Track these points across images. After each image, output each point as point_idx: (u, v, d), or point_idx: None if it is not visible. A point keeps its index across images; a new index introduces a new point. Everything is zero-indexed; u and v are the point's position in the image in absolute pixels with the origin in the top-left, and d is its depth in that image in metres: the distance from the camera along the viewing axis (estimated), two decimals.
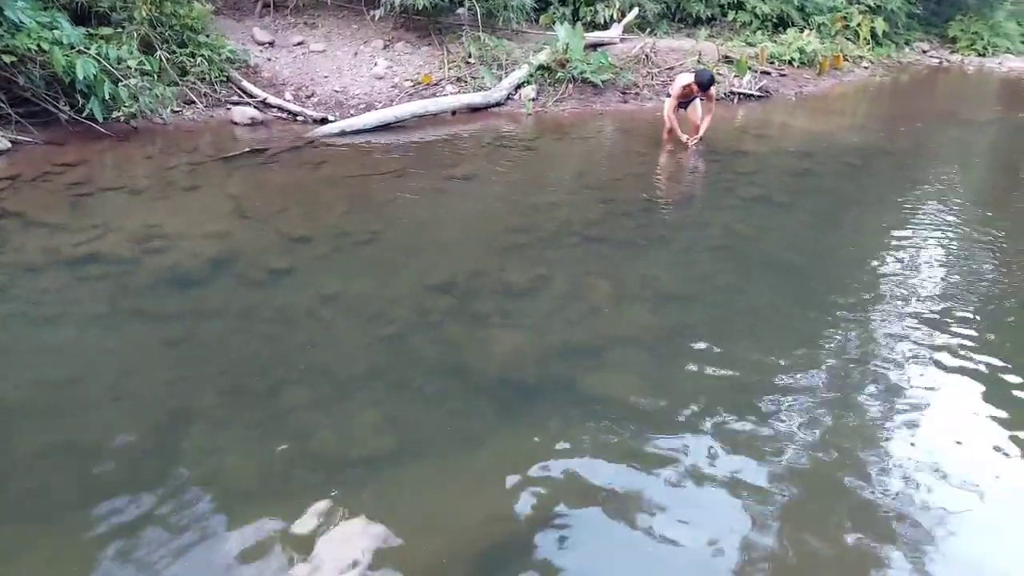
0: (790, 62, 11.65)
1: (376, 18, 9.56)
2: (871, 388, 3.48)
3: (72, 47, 6.27)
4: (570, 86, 9.17)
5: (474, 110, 8.40)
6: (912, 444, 3.10)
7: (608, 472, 2.84)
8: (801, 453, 2.99)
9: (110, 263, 4.26)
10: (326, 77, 8.84)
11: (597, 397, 3.28)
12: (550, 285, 4.29)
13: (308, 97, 8.38)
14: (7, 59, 5.94)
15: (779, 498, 2.75)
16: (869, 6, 14.24)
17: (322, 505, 2.60)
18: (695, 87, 6.95)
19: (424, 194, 5.77)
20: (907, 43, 15.86)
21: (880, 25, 14.03)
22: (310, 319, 3.81)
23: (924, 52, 15.96)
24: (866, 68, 13.19)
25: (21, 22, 5.95)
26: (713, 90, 7.08)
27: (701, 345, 3.78)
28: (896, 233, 5.42)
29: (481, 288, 4.20)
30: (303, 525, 2.51)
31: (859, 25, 13.76)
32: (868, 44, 13.85)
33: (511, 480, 2.80)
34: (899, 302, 4.32)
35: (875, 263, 4.90)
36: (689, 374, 3.52)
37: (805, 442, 3.06)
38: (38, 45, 5.98)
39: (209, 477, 2.73)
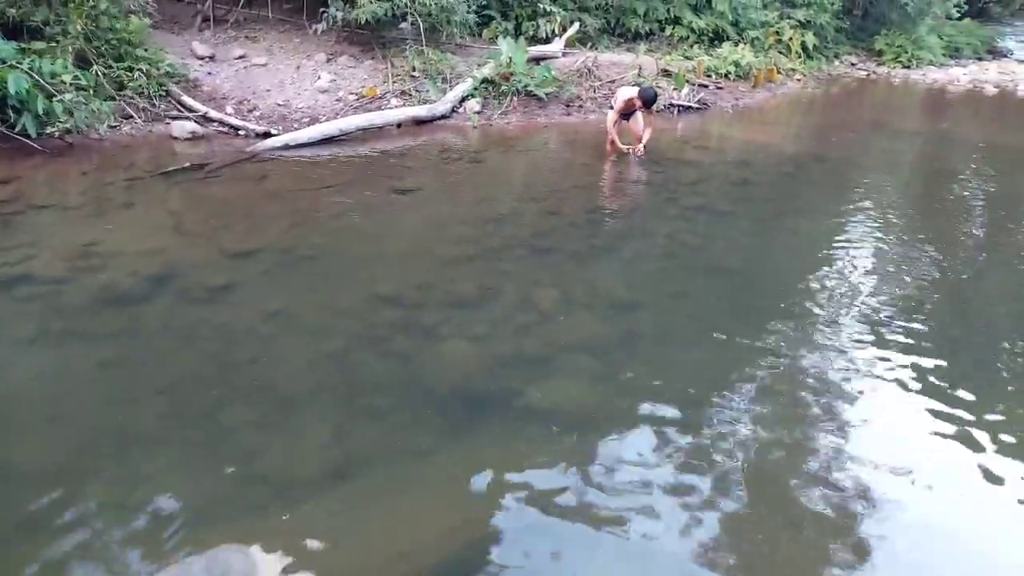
0: (726, 75, 12.04)
1: (319, 32, 9.50)
2: (813, 391, 3.60)
3: (3, 62, 6.05)
4: (515, 99, 9.28)
5: (420, 123, 8.41)
6: (852, 446, 3.22)
7: (558, 481, 2.87)
8: (748, 458, 3.08)
9: (42, 283, 4.11)
10: (268, 91, 8.73)
11: (546, 406, 3.31)
12: (499, 296, 4.32)
13: (250, 111, 8.26)
14: None
15: (726, 503, 2.83)
16: (799, 21, 14.84)
17: (270, 526, 2.56)
18: (638, 102, 7.16)
19: (370, 207, 5.74)
20: (836, 56, 16.57)
21: (810, 39, 14.63)
22: (253, 336, 3.75)
23: (853, 65, 16.69)
24: (798, 80, 13.72)
25: None
26: (653, 107, 7.33)
27: (649, 352, 3.87)
28: (832, 239, 5.65)
29: (429, 300, 4.21)
30: (252, 548, 2.46)
31: (791, 39, 14.32)
32: (800, 57, 14.43)
33: (462, 493, 2.80)
34: (837, 306, 4.49)
35: (813, 268, 5.09)
36: (638, 381, 3.59)
37: (751, 447, 3.15)
38: None
39: (151, 502, 2.64)
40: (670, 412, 3.32)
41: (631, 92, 7.24)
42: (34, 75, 6.18)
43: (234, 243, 4.77)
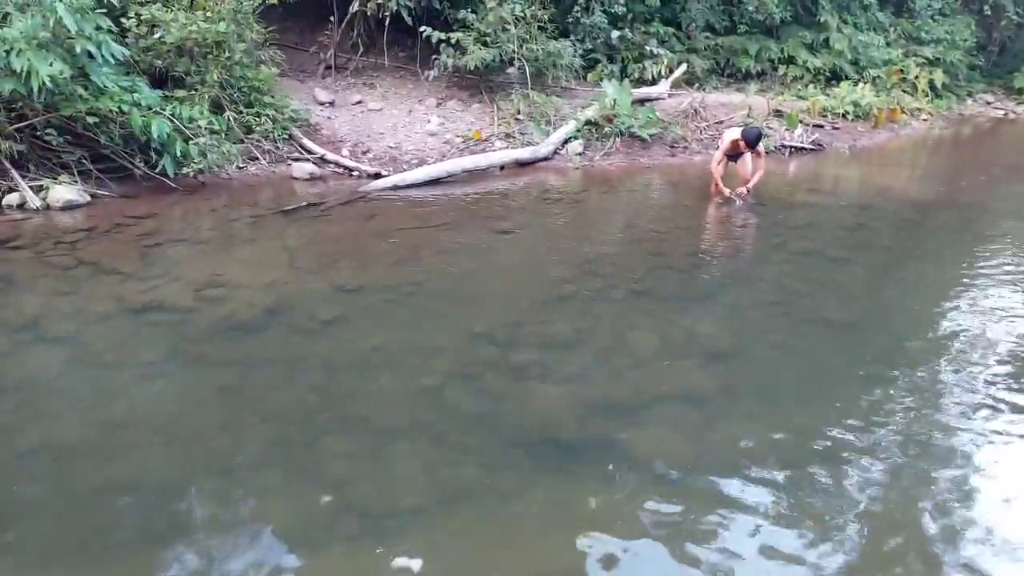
0: (844, 115, 11.56)
1: (430, 78, 9.97)
2: (927, 458, 3.31)
3: (149, 108, 6.74)
4: (617, 140, 9.30)
5: (522, 165, 8.59)
6: (970, 518, 2.92)
7: (646, 532, 2.77)
8: (850, 524, 2.86)
9: (171, 311, 4.46)
10: (382, 134, 9.20)
11: (637, 456, 3.23)
12: (593, 338, 4.29)
13: (364, 153, 8.72)
14: (91, 120, 6.41)
15: (825, 571, 2.63)
16: (927, 59, 14.08)
17: (361, 558, 2.62)
18: (742, 143, 6.97)
19: (471, 246, 5.88)
20: (969, 95, 15.56)
21: (939, 77, 13.84)
22: (355, 368, 3.90)
23: (988, 103, 15.61)
24: (925, 121, 12.96)
25: (105, 86, 6.44)
26: (762, 146, 7.06)
27: (749, 405, 3.69)
28: (958, 293, 5.22)
29: (523, 340, 4.23)
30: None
31: (917, 77, 13.58)
32: (927, 96, 13.64)
33: (547, 537, 2.76)
34: (960, 368, 4.12)
35: (935, 324, 4.72)
36: (735, 436, 3.42)
37: (854, 512, 2.92)
38: (119, 107, 6.44)
39: (255, 523, 2.78)
40: (770, 470, 3.14)
41: (736, 133, 7.06)
42: (174, 120, 6.83)
43: (343, 278, 5.01)
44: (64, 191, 6.31)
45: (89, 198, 6.47)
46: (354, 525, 2.79)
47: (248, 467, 3.11)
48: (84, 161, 6.71)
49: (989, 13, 15.41)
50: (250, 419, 3.44)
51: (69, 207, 6.24)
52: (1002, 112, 15.07)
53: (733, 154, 7.22)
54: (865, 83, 12.72)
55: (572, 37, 10.94)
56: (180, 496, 2.92)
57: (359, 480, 3.03)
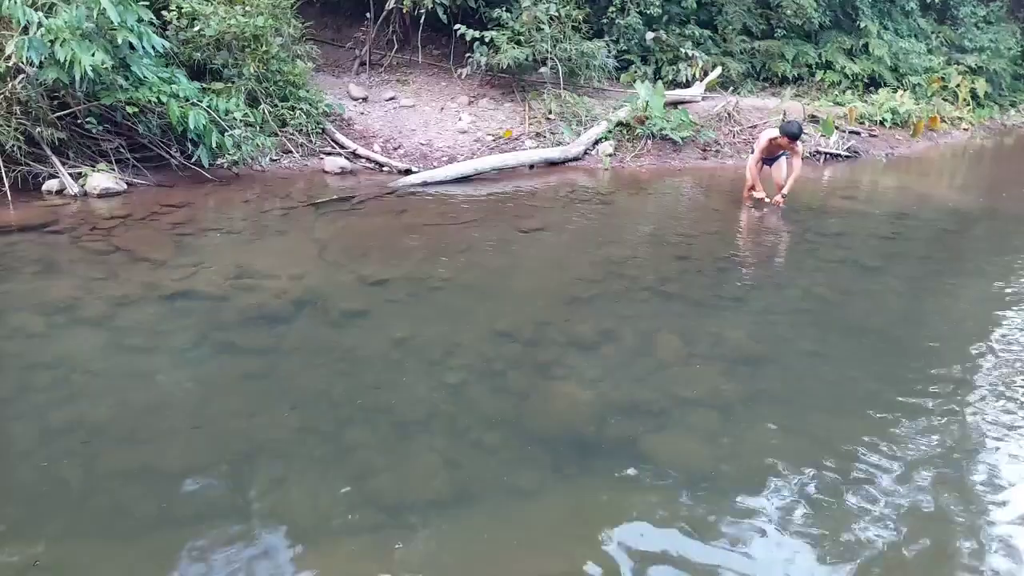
0: (881, 123, 11.34)
1: (463, 76, 10.01)
2: (956, 478, 3.22)
3: (187, 100, 6.86)
4: (649, 142, 9.24)
5: (552, 164, 8.58)
6: (997, 538, 2.84)
7: (664, 538, 2.74)
8: (870, 541, 2.79)
9: (202, 299, 4.54)
10: (413, 130, 9.26)
11: (659, 459, 3.19)
12: (617, 339, 4.26)
13: (395, 149, 8.78)
14: (130, 110, 6.55)
15: None
16: (969, 67, 13.75)
17: (378, 548, 2.63)
18: (783, 140, 6.79)
19: (498, 244, 5.89)
20: (1012, 105, 15.16)
21: (981, 86, 13.51)
22: (379, 361, 3.92)
23: None
24: (966, 130, 12.66)
25: (144, 76, 6.58)
26: (800, 146, 6.92)
27: (774, 412, 3.63)
28: (995, 308, 5.08)
29: (547, 339, 4.22)
30: (361, 567, 2.54)
31: (958, 86, 13.27)
32: (968, 105, 13.32)
33: (564, 538, 2.75)
34: (994, 386, 3.99)
35: (972, 337, 4.59)
36: (759, 443, 3.37)
37: (875, 529, 2.85)
38: (158, 98, 6.57)
39: (275, 510, 2.81)
40: (791, 481, 3.09)
41: (774, 132, 6.92)
42: (211, 112, 6.95)
43: (370, 271, 5.05)
44: (102, 178, 6.45)
45: (126, 186, 6.61)
46: (372, 517, 2.80)
47: (271, 454, 3.14)
48: (122, 150, 6.86)
49: None
50: (276, 407, 3.48)
51: (106, 194, 6.38)
52: None
53: (769, 158, 7.11)
54: (905, 90, 12.46)
55: (606, 38, 10.90)
56: (203, 480, 2.96)
57: (380, 472, 3.05)
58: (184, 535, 2.65)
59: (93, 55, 6.02)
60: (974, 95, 13.54)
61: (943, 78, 13.31)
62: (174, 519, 2.73)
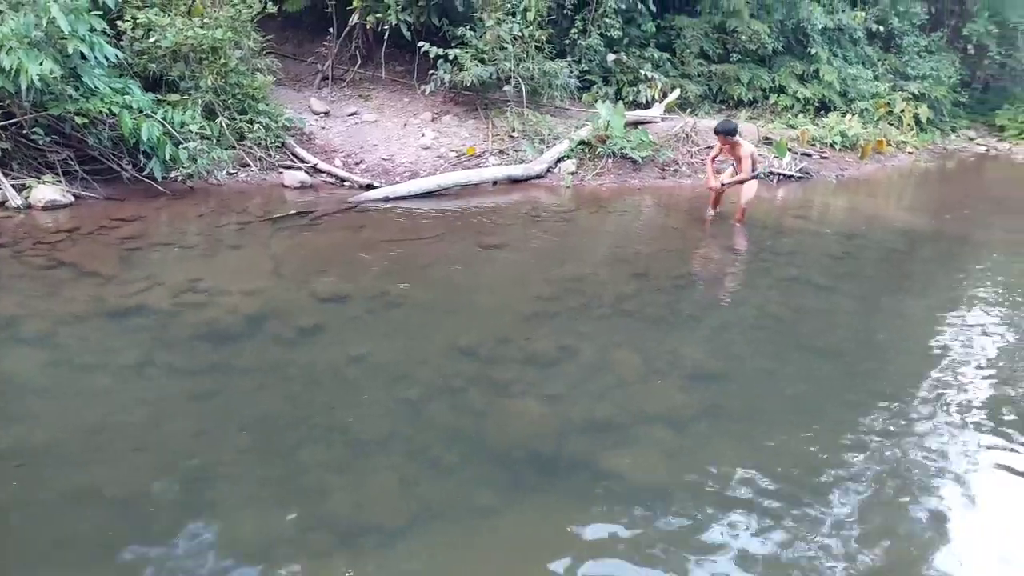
0: (832, 145, 11.71)
1: (426, 92, 10.01)
2: (909, 485, 3.30)
3: (140, 111, 6.70)
4: (609, 161, 9.36)
5: (515, 181, 8.61)
6: (952, 544, 2.91)
7: (621, 556, 2.73)
8: (829, 551, 2.83)
9: (152, 315, 4.40)
10: (375, 145, 9.20)
11: (618, 476, 3.19)
12: (577, 356, 4.26)
13: (357, 164, 8.72)
14: (80, 121, 6.37)
15: None
16: (913, 93, 14.32)
17: (330, 573, 2.56)
18: (719, 139, 7.05)
19: (458, 260, 5.87)
20: (953, 130, 15.82)
21: (924, 112, 14.08)
22: (335, 379, 3.85)
23: (971, 139, 15.87)
24: (910, 153, 13.15)
25: (96, 87, 6.41)
26: (741, 146, 7.02)
27: (731, 429, 3.67)
28: (943, 323, 5.25)
29: (507, 356, 4.20)
30: None
31: (903, 111, 13.81)
32: (912, 130, 13.86)
33: (523, 557, 2.72)
34: (941, 396, 4.13)
35: (920, 354, 4.74)
36: (716, 458, 3.39)
37: (834, 538, 2.90)
38: (109, 109, 6.41)
39: (224, 535, 2.71)
40: (749, 495, 3.12)
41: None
42: (165, 124, 6.80)
43: (327, 288, 4.97)
44: (47, 191, 6.24)
45: (73, 199, 6.41)
46: (324, 540, 2.73)
47: (220, 477, 3.04)
48: (70, 161, 6.66)
49: (972, 52, 15.73)
50: (225, 428, 3.38)
51: (52, 207, 6.18)
52: (984, 148, 15.32)
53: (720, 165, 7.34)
54: (853, 115, 12.91)
55: (569, 58, 11.04)
56: (147, 505, 2.84)
57: (333, 493, 2.97)
58: (127, 563, 2.54)
59: (41, 64, 5.85)
60: (917, 120, 14.10)
61: (889, 103, 13.84)
62: (114, 546, 2.61)
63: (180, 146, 6.83)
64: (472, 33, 9.66)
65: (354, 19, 9.90)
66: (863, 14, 14.15)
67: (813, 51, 13.36)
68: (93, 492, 2.89)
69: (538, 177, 8.83)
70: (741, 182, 7.16)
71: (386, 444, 3.33)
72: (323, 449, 3.26)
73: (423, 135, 9.56)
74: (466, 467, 3.21)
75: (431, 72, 9.80)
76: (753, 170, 7.14)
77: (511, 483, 3.13)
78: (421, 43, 9.66)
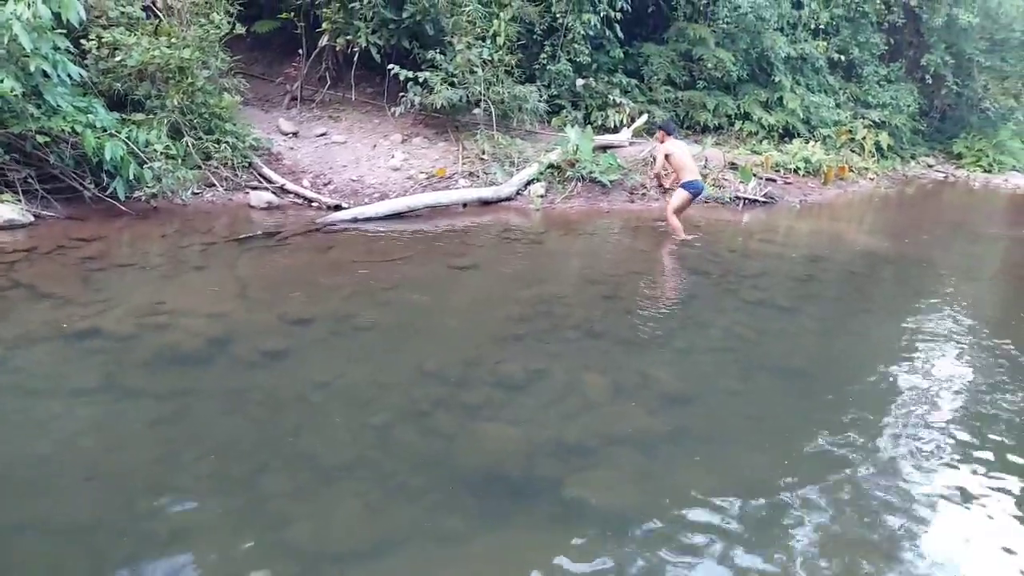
0: (795, 171, 11.99)
1: (397, 114, 10.03)
2: (874, 504, 3.34)
3: (104, 130, 6.59)
4: (578, 184, 9.45)
5: (485, 204, 8.64)
6: (915, 565, 2.94)
7: None
8: (795, 569, 2.84)
9: (110, 338, 4.28)
10: (344, 166, 9.17)
11: (586, 500, 3.17)
12: (546, 379, 4.25)
13: (325, 185, 8.67)
14: (41, 139, 6.24)
15: None
16: (874, 121, 14.77)
17: None
18: (659, 133, 8.00)
19: (427, 281, 5.84)
20: (913, 157, 16.33)
21: (885, 139, 14.51)
22: (300, 404, 3.77)
23: (930, 166, 16.39)
24: (871, 180, 13.52)
25: (59, 106, 6.29)
26: (658, 145, 7.92)
27: (699, 449, 3.68)
28: (903, 344, 5.37)
29: (474, 379, 4.17)
30: None
31: (864, 139, 14.22)
32: (873, 157, 14.27)
33: None
34: (903, 416, 4.21)
35: (881, 373, 4.83)
36: (685, 480, 3.40)
37: (801, 560, 2.91)
38: (72, 128, 6.29)
39: (180, 567, 2.62)
40: (718, 518, 3.12)
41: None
42: (129, 143, 6.69)
43: (293, 310, 4.90)
44: (5, 210, 6.09)
45: (32, 218, 6.25)
46: (287, 569, 2.66)
47: (179, 505, 2.95)
48: (31, 180, 6.50)
49: (931, 82, 16.30)
50: (185, 454, 3.28)
51: (9, 227, 6.02)
52: (942, 175, 15.83)
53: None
54: (816, 141, 13.26)
55: (538, 83, 11.19)
56: (100, 536, 2.74)
57: (297, 520, 2.90)
58: None
59: (2, 82, 5.73)
60: (878, 147, 14.53)
61: (850, 131, 14.25)
62: None
63: (144, 166, 6.73)
64: (442, 57, 9.73)
65: (324, 41, 9.91)
66: (825, 44, 14.60)
67: (777, 79, 13.73)
68: (40, 523, 2.78)
69: (508, 199, 8.88)
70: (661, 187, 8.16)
71: (352, 470, 3.27)
72: (287, 475, 3.18)
73: (393, 156, 9.56)
74: (433, 492, 3.16)
75: (401, 94, 9.84)
76: (659, 174, 8.08)
77: (479, 509, 3.09)
78: (391, 65, 9.70)
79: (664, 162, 7.64)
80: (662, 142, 7.70)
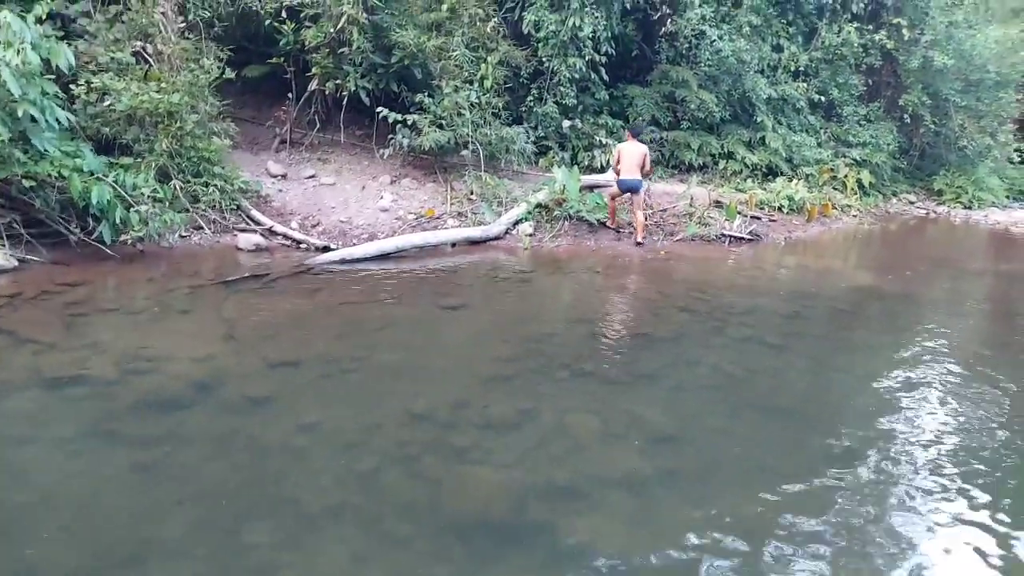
0: (779, 208, 12.15)
1: (385, 156, 10.13)
2: (864, 543, 3.31)
3: (92, 174, 6.60)
4: (566, 223, 9.53)
5: (473, 243, 8.68)
6: None
7: None
8: None
9: (93, 384, 4.23)
10: (333, 208, 9.21)
11: (578, 544, 3.12)
12: (535, 420, 4.22)
13: (314, 226, 8.69)
14: (27, 184, 6.24)
15: None
16: (855, 159, 15.04)
17: None
18: (627, 134, 9.54)
19: (415, 322, 5.83)
20: (894, 194, 16.60)
21: (866, 177, 14.77)
22: (285, 449, 3.72)
23: (911, 203, 16.66)
24: (854, 216, 13.72)
25: (46, 150, 6.31)
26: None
27: (690, 491, 3.65)
28: (889, 380, 5.38)
29: (463, 421, 4.13)
30: None
31: (846, 176, 14.47)
32: (855, 194, 14.50)
33: None
34: (895, 453, 4.20)
35: (869, 410, 4.82)
36: (677, 522, 3.36)
37: None
38: (59, 172, 6.30)
39: None
40: (711, 559, 3.08)
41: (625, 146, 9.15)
42: (117, 187, 6.70)
43: (279, 353, 4.87)
44: None
45: (16, 263, 6.21)
46: None
47: (161, 555, 2.88)
48: (15, 225, 6.48)
49: (909, 121, 16.68)
50: (168, 502, 3.22)
51: None
52: (924, 212, 16.09)
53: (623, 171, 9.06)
54: (799, 179, 13.47)
55: (525, 124, 11.36)
56: None
57: (281, 570, 2.84)
58: None
59: None
60: (860, 185, 14.77)
61: (832, 169, 14.50)
62: None
63: (131, 209, 6.73)
64: (430, 99, 9.88)
65: (313, 85, 10.04)
66: (805, 85, 14.95)
67: (759, 119, 14.01)
68: (23, 574, 2.69)
69: (496, 239, 8.93)
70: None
71: (337, 516, 3.21)
72: (271, 523, 3.12)
73: (382, 197, 9.62)
74: (421, 539, 3.11)
75: (390, 136, 9.95)
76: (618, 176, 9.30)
77: (468, 555, 3.04)
78: (380, 108, 9.83)
79: (617, 156, 9.20)
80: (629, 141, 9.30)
